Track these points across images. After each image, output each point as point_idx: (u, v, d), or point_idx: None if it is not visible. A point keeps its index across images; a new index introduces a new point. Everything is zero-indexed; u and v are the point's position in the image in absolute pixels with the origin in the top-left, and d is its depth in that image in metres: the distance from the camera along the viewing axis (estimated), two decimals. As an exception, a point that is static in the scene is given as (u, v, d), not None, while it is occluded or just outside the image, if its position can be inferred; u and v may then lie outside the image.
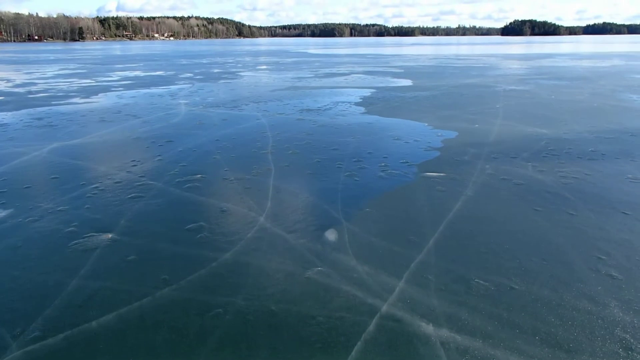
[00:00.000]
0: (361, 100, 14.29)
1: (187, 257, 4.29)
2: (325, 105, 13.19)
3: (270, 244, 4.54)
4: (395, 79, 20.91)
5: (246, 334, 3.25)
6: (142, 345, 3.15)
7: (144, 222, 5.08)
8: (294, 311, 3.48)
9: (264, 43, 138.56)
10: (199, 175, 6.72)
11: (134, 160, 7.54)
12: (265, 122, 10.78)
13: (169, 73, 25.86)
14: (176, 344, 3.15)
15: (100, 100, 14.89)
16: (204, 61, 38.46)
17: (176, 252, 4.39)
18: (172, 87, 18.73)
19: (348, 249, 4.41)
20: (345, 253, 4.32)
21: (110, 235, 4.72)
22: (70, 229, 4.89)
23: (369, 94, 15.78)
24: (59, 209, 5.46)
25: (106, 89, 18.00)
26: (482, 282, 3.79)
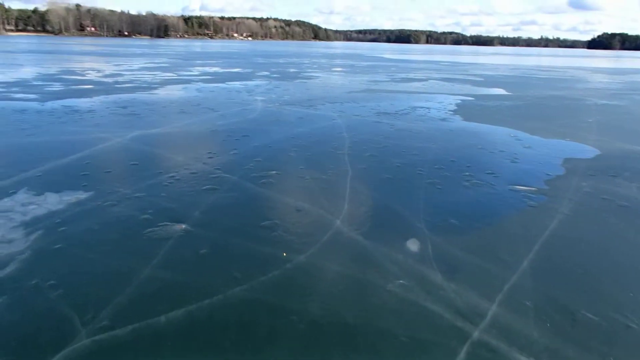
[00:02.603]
0: (440, 106, 13.74)
1: (260, 255, 4.08)
2: (402, 110, 12.77)
3: (347, 249, 4.25)
4: (475, 87, 20.08)
5: (318, 344, 2.98)
6: (209, 345, 2.95)
7: (218, 216, 4.95)
8: (373, 326, 3.17)
9: (339, 46, 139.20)
10: (274, 172, 6.56)
11: (210, 153, 7.51)
12: (341, 123, 10.54)
13: (246, 70, 26.31)
14: (244, 346, 2.93)
15: (181, 93, 15.26)
16: (280, 61, 38.96)
17: (249, 249, 4.20)
18: (249, 83, 18.97)
19: (432, 262, 4.04)
20: (429, 267, 3.95)
21: (183, 226, 4.61)
22: (145, 216, 4.83)
23: (448, 100, 15.18)
24: (136, 195, 5.45)
25: (187, 82, 18.49)
26: (590, 315, 3.31)
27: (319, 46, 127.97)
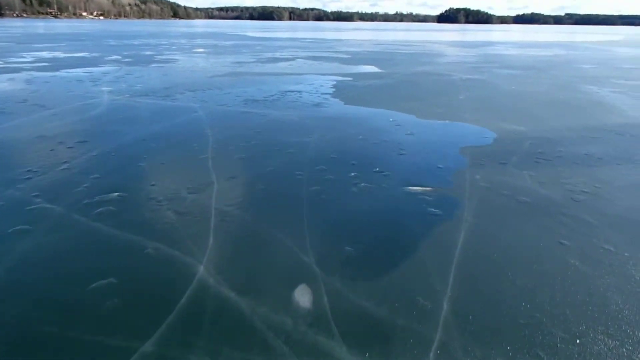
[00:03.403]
0: (312, 88, 12.82)
1: (81, 354, 2.73)
2: (272, 95, 11.62)
3: (214, 317, 3.05)
4: (344, 65, 19.55)
5: None
6: None
7: (22, 280, 3.44)
8: None
9: (201, 25, 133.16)
10: (117, 194, 5.07)
11: (29, 171, 5.74)
12: (203, 116, 9.11)
13: (93, 54, 23.21)
14: None
15: (4, 86, 12.54)
16: (135, 42, 35.51)
17: (66, 339, 2.82)
18: (95, 70, 16.47)
19: (331, 323, 2.99)
20: (327, 332, 2.90)
21: (-38, 310, 3.06)
22: None
23: (319, 81, 14.33)
24: None
25: (14, 72, 15.49)
26: (546, 389, 2.50)
27: (179, 25, 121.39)
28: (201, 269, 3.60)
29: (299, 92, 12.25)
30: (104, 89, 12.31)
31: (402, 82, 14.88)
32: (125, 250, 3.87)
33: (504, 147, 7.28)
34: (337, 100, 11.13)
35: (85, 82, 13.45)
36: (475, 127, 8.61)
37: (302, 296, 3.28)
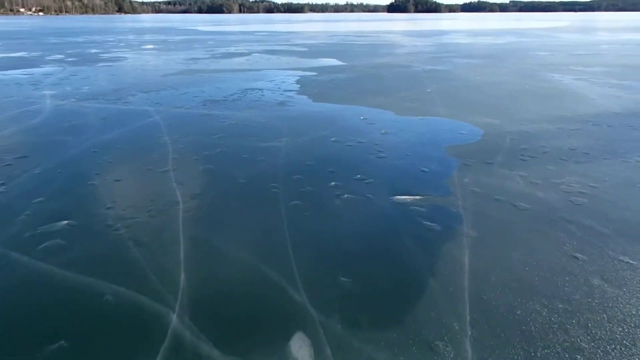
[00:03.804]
0: (273, 85, 12.18)
1: None
2: (232, 94, 10.93)
3: (197, 389, 2.46)
4: (303, 59, 18.94)
5: None
6: None
7: (-51, 352, 2.75)
8: None
9: (148, 20, 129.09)
10: (65, 222, 4.36)
11: (-42, 198, 4.93)
12: (160, 121, 8.36)
13: (33, 54, 21.69)
14: None
15: None
16: (79, 40, 33.67)
17: None
18: (36, 71, 15.26)
19: (341, 386, 2.46)
20: (340, 401, 2.37)
21: None
22: None
23: (280, 77, 13.70)
24: None
25: (-55, 77, 14.13)
26: None
27: (125, 20, 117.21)
28: (174, 319, 2.99)
29: (260, 89, 11.59)
30: (46, 92, 11.29)
31: (366, 75, 14.41)
32: (79, 299, 3.21)
33: (485, 144, 6.91)
34: (302, 97, 10.55)
35: (24, 86, 12.34)
36: (451, 122, 8.24)
37: (300, 349, 2.73)
